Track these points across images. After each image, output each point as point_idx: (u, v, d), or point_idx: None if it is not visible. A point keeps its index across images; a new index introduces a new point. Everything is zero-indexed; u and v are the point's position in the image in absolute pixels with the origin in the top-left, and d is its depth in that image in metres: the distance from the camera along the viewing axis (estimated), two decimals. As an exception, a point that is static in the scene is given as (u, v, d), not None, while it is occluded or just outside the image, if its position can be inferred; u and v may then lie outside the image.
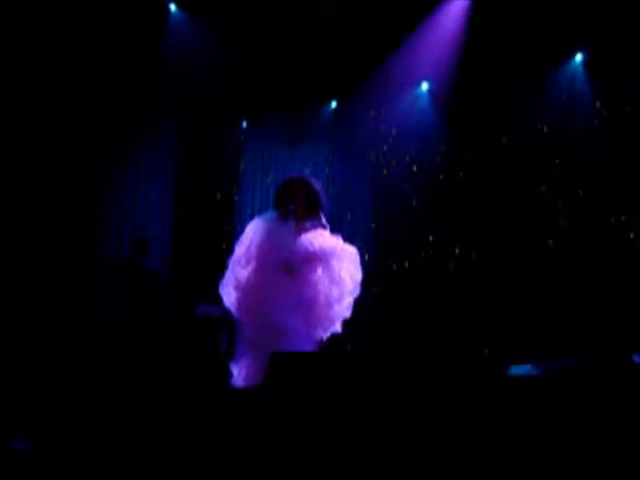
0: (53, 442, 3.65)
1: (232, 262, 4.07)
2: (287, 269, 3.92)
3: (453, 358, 5.97)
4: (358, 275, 4.06)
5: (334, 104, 8.58)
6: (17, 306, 6.35)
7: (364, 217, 8.34)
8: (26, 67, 6.78)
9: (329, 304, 3.93)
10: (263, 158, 8.68)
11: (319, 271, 3.96)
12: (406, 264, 7.84)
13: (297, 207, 4.13)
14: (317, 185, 4.27)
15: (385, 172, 8.20)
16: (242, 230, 4.23)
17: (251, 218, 4.33)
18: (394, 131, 8.18)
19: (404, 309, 7.52)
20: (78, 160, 7.18)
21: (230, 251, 4.20)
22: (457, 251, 7.57)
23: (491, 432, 2.87)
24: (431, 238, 7.80)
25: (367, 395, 3.02)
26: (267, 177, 8.56)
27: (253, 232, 4.08)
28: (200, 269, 7.54)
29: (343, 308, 3.99)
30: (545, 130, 7.27)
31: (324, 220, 4.20)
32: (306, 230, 4.08)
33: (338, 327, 3.98)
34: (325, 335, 3.92)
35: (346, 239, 4.23)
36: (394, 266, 7.86)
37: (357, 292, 4.07)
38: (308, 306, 3.90)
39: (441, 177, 7.85)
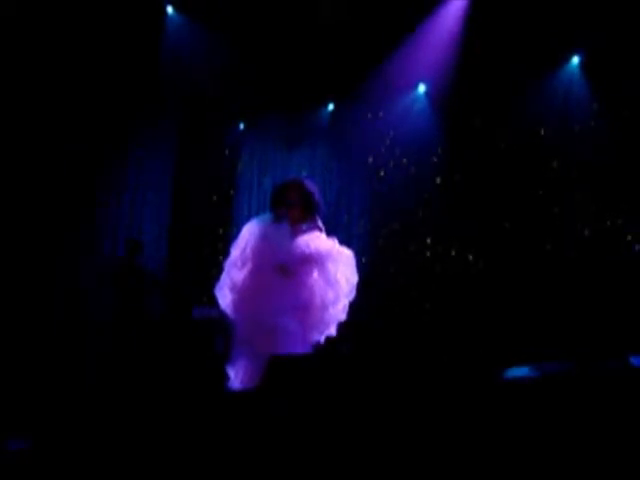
0: (53, 442, 3.65)
1: (228, 264, 4.06)
2: (283, 271, 3.90)
3: (451, 361, 5.97)
4: (354, 278, 4.05)
5: (331, 106, 8.58)
6: (17, 306, 6.35)
7: (361, 219, 8.33)
8: (27, 68, 6.80)
9: (325, 307, 3.93)
10: (260, 160, 8.68)
11: (315, 274, 3.95)
12: (403, 267, 7.84)
13: (293, 210, 4.13)
14: (314, 187, 4.27)
15: (382, 174, 8.20)
16: (239, 232, 4.23)
17: (248, 220, 4.32)
18: (391, 133, 8.20)
19: (401, 312, 7.52)
20: (78, 160, 7.19)
21: (226, 253, 4.19)
22: (454, 254, 7.57)
23: (489, 434, 2.86)
24: (428, 240, 7.80)
25: (364, 397, 3.01)
26: (264, 178, 8.56)
27: (249, 234, 4.07)
28: (197, 270, 7.54)
29: (338, 311, 3.98)
30: (542, 132, 7.28)
31: (320, 223, 4.19)
32: (302, 232, 4.07)
33: (333, 330, 3.97)
34: (320, 338, 3.92)
35: (343, 241, 4.22)
36: (391, 268, 7.86)
37: (352, 295, 4.06)
38: (304, 308, 3.90)
39: (438, 179, 7.86)
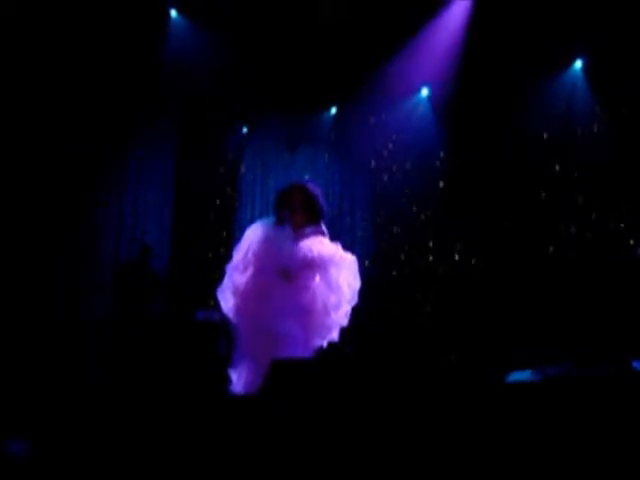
0: (52, 443, 3.64)
1: (230, 268, 4.05)
2: (285, 275, 3.90)
3: (453, 364, 5.96)
4: (356, 283, 4.04)
5: (334, 110, 8.58)
6: (17, 306, 6.35)
7: (364, 223, 8.33)
8: (27, 69, 6.82)
9: (327, 312, 3.92)
10: (263, 163, 8.68)
11: (317, 278, 3.94)
12: (405, 270, 7.84)
13: (296, 213, 4.12)
14: (317, 191, 4.25)
15: (385, 178, 8.20)
16: (241, 235, 4.22)
17: (250, 223, 4.31)
18: (394, 137, 8.19)
19: (403, 315, 7.51)
20: (78, 160, 7.20)
21: (229, 256, 4.19)
22: (457, 257, 7.56)
23: (491, 439, 2.85)
24: (431, 244, 7.80)
25: (366, 402, 3.01)
26: (267, 181, 8.56)
27: (251, 238, 4.06)
28: (199, 272, 7.54)
29: (340, 316, 3.97)
30: (545, 136, 7.27)
31: (324, 227, 4.18)
32: (305, 236, 4.06)
33: (335, 335, 3.96)
34: (323, 343, 3.90)
35: (346, 245, 4.21)
36: (394, 272, 7.86)
37: (355, 301, 4.05)
38: (305, 313, 3.88)
39: (441, 183, 7.85)
